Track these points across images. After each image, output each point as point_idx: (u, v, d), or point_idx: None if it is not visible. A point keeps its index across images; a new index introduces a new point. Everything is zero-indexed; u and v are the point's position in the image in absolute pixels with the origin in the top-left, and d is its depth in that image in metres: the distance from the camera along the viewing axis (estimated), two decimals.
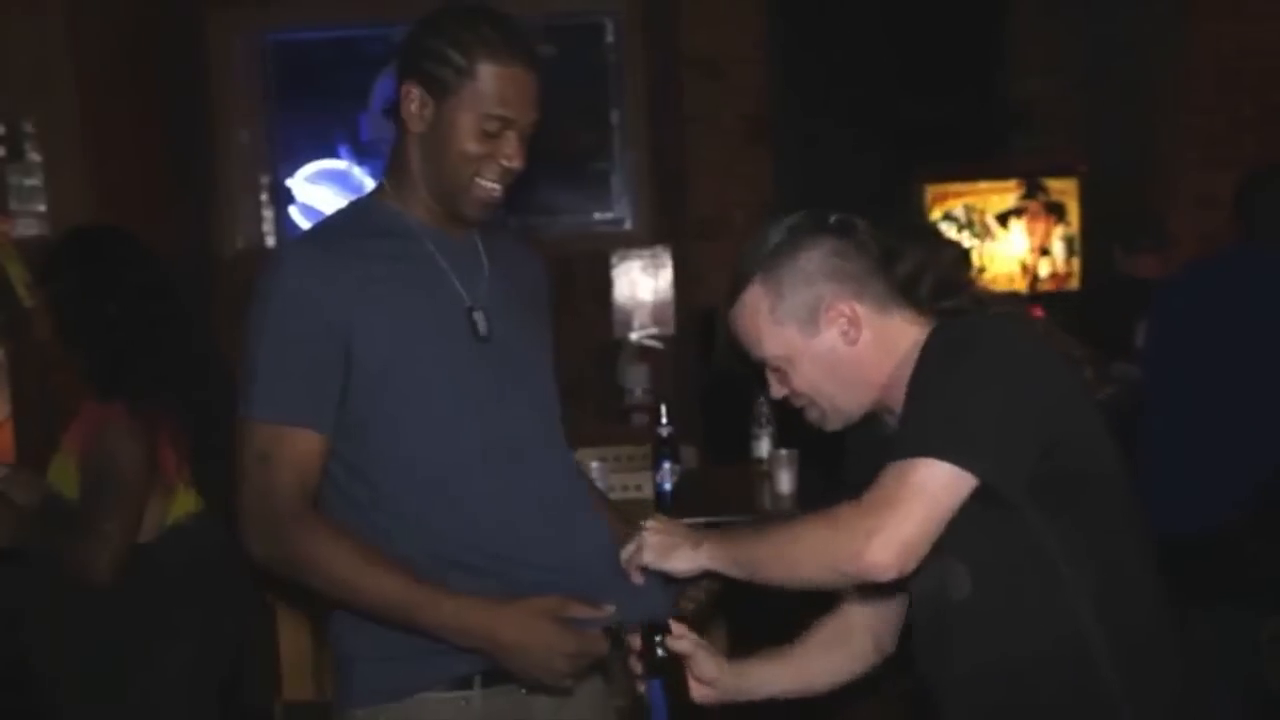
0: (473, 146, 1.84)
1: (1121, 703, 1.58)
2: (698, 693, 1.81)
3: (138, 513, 2.50)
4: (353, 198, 2.08)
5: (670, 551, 1.74)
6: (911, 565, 1.54)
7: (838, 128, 5.05)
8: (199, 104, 5.40)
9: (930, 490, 1.53)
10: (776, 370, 1.74)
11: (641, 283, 5.57)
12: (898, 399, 1.67)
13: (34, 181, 3.89)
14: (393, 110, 1.90)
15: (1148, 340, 3.60)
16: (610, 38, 5.63)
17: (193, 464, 2.58)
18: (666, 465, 3.61)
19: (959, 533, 1.56)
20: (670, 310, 5.56)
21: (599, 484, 2.97)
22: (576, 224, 5.69)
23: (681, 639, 1.78)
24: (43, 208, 3.91)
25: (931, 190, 5.38)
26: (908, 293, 1.73)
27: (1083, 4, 5.44)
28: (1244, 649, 3.36)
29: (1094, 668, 1.58)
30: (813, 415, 1.76)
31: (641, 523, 1.83)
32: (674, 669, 1.78)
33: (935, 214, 5.34)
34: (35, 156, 3.90)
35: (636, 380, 5.32)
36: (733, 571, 1.70)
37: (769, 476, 3.66)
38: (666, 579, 1.80)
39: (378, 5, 5.21)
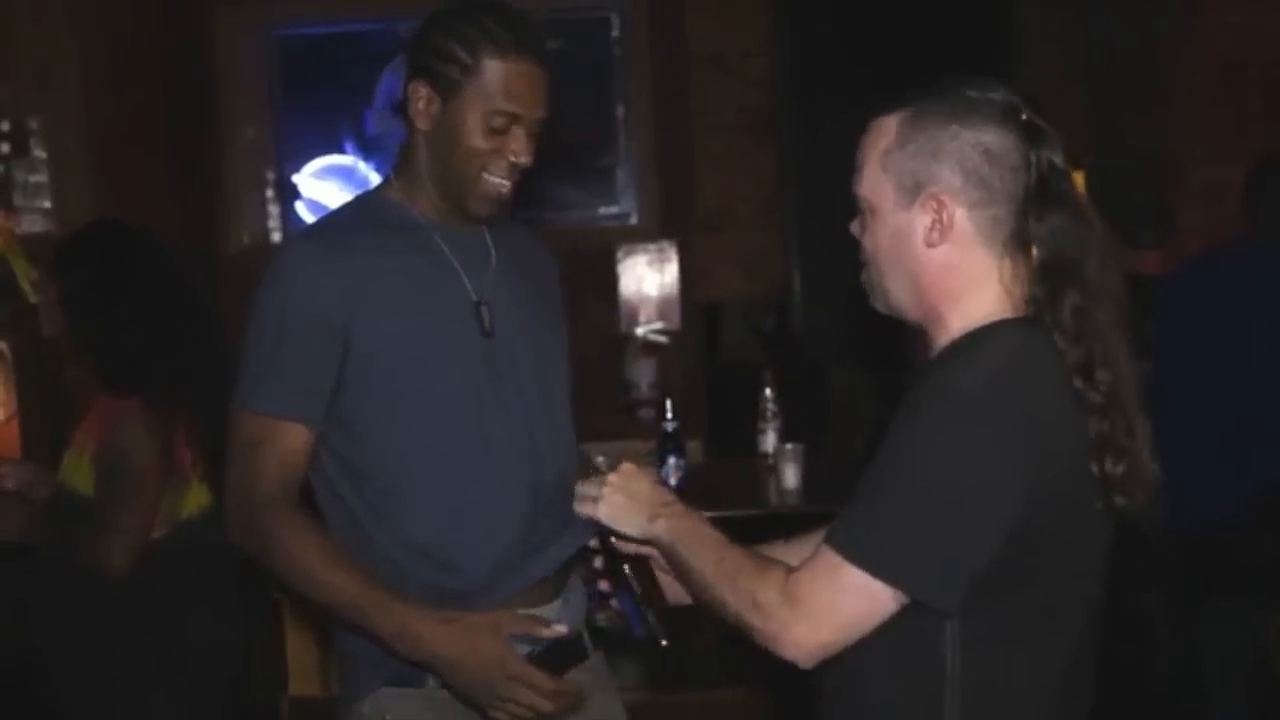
0: (480, 143, 1.84)
1: None
2: (674, 593, 1.70)
3: (154, 506, 2.50)
4: (359, 193, 2.07)
5: (625, 517, 1.62)
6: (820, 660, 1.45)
7: (843, 122, 5.03)
8: (204, 100, 5.39)
9: (863, 605, 1.41)
10: (862, 213, 1.57)
11: (647, 277, 5.56)
12: (940, 334, 1.52)
13: (39, 178, 3.90)
14: (401, 108, 1.90)
15: (1155, 336, 3.59)
16: (616, 32, 5.62)
17: (206, 459, 2.58)
18: (672, 460, 3.61)
19: None
20: (676, 305, 5.55)
21: None
22: (582, 219, 5.67)
23: (627, 543, 1.68)
24: (48, 204, 3.92)
25: None
26: (1029, 245, 1.47)
27: None
28: (1251, 643, 3.36)
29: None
30: (864, 278, 1.59)
31: (603, 463, 1.71)
32: (644, 577, 1.70)
33: None
34: (40, 153, 3.90)
35: (642, 375, 5.31)
36: (669, 559, 1.61)
37: (775, 471, 3.65)
38: None
39: (384, 0, 5.20)
